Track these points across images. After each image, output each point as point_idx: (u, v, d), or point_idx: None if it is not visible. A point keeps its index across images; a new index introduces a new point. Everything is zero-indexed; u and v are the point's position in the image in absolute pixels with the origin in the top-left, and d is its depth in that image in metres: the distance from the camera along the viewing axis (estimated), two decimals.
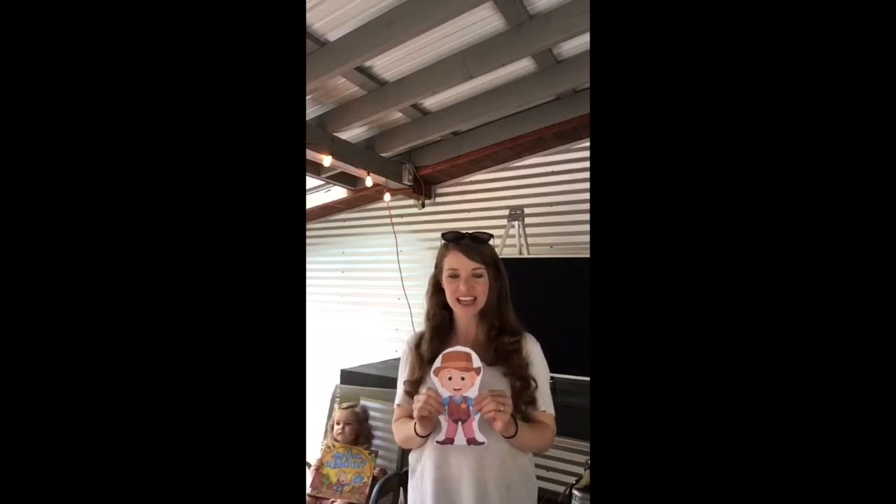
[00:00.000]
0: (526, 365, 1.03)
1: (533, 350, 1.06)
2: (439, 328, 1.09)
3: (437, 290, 1.11)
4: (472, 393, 0.89)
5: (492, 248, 1.10)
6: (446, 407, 0.92)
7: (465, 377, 0.89)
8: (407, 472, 1.12)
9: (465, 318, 1.07)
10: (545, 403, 1.04)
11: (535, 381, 1.03)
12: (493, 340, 1.06)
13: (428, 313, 1.12)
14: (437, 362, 0.94)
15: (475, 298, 1.04)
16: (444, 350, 1.00)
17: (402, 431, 1.06)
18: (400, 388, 1.12)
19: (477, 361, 0.91)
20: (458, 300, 1.04)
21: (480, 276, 1.04)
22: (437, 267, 1.11)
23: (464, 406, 0.90)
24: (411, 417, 1.02)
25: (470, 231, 1.11)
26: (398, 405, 1.12)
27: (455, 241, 1.08)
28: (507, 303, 1.09)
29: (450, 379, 0.90)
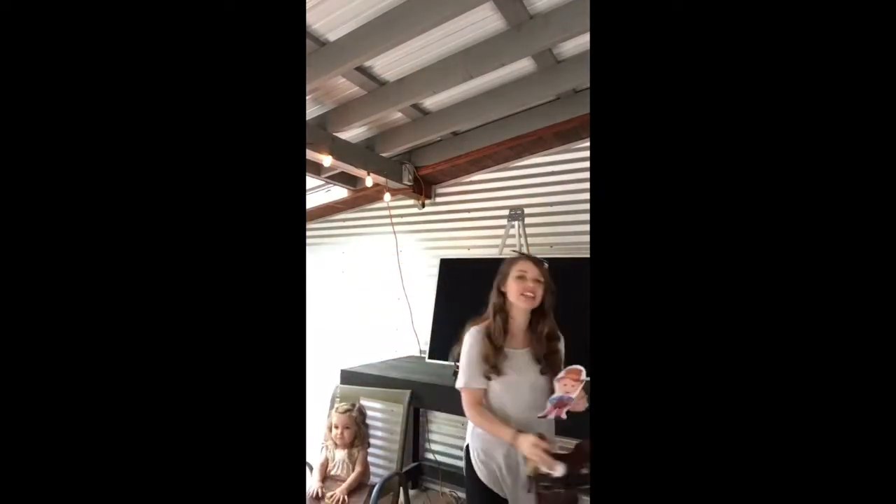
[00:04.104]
0: (561, 363, 1.38)
1: (562, 348, 1.42)
2: (503, 323, 1.38)
3: (498, 293, 1.40)
4: (574, 394, 1.24)
5: (548, 271, 1.42)
6: (555, 402, 1.25)
7: (575, 385, 1.24)
8: (407, 473, 1.21)
9: (522, 313, 1.37)
10: None
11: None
12: (544, 343, 1.37)
13: (495, 308, 1.40)
14: (562, 373, 1.27)
15: (535, 296, 1.35)
16: (505, 342, 1.36)
17: (490, 428, 1.32)
18: (471, 370, 1.36)
19: (584, 375, 1.23)
20: (522, 294, 1.34)
21: (540, 282, 1.37)
22: (502, 274, 1.41)
23: (565, 402, 1.25)
24: (481, 402, 1.34)
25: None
26: (469, 388, 1.36)
27: (524, 255, 1.47)
28: (552, 312, 1.42)
29: (564, 385, 1.25)
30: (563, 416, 1.26)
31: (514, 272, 1.38)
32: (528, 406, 1.31)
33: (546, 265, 1.44)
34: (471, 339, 1.39)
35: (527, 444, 1.22)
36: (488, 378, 1.34)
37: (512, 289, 1.36)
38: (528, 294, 1.34)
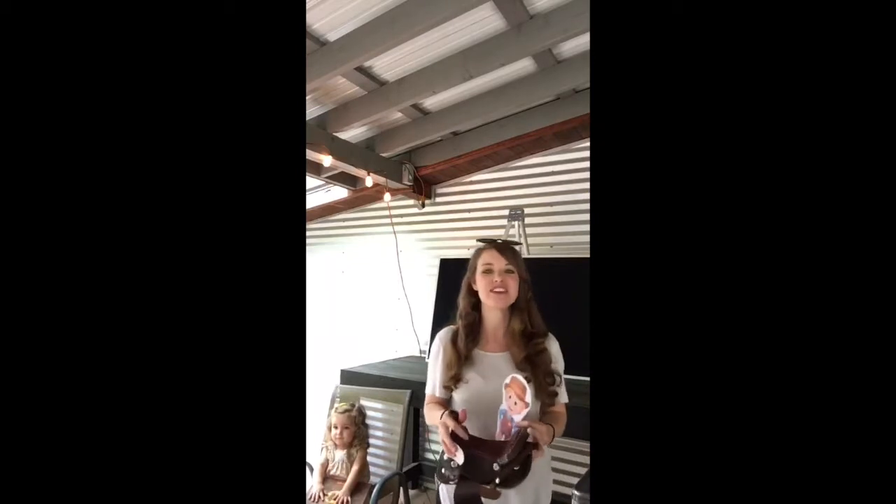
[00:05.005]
0: (550, 361, 1.16)
1: (554, 349, 1.20)
2: (471, 327, 1.21)
3: (469, 291, 1.22)
4: (517, 418, 1.02)
5: (519, 255, 1.22)
6: (501, 417, 1.05)
7: (518, 403, 1.03)
8: (407, 473, 1.15)
9: (496, 312, 1.18)
10: (563, 396, 1.19)
11: (559, 375, 1.17)
12: (525, 343, 1.16)
13: (460, 313, 1.23)
14: (507, 380, 1.05)
15: (507, 291, 1.15)
16: (476, 348, 1.19)
17: (433, 417, 1.16)
18: (434, 379, 1.22)
19: (529, 397, 1.01)
20: (491, 291, 1.16)
21: (511, 272, 1.17)
22: (470, 269, 1.23)
23: (509, 425, 1.04)
24: (441, 405, 1.17)
25: (499, 238, 1.25)
26: (432, 395, 1.23)
27: (489, 243, 1.24)
28: (534, 303, 1.21)
29: (509, 397, 1.04)
30: (511, 442, 0.98)
31: (480, 266, 1.19)
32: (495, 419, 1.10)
33: (518, 249, 1.23)
34: (437, 344, 1.23)
35: (441, 423, 1.04)
36: (449, 388, 1.16)
37: (481, 285, 1.17)
38: (499, 290, 1.15)
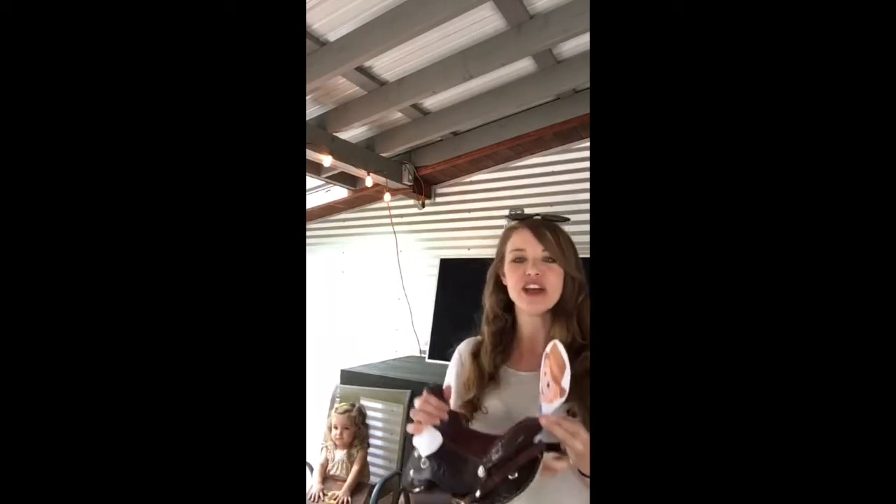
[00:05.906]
0: None
1: None
2: (500, 334, 0.89)
3: (497, 286, 0.91)
4: (546, 409, 0.69)
5: (568, 235, 0.88)
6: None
7: (551, 387, 0.69)
8: None
9: (532, 316, 0.86)
10: None
11: None
12: (572, 359, 0.73)
13: (487, 316, 0.91)
14: (548, 347, 0.72)
15: (545, 289, 0.82)
16: (505, 364, 0.86)
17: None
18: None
19: (567, 381, 0.67)
20: (523, 289, 0.83)
21: (551, 261, 0.83)
22: (497, 256, 0.91)
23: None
24: None
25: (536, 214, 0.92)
26: None
27: (522, 219, 0.90)
28: (588, 306, 0.84)
29: (544, 374, 0.70)
30: (505, 435, 0.66)
31: (509, 252, 0.87)
32: None
33: (563, 227, 0.88)
34: (456, 359, 0.94)
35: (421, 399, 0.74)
36: (465, 417, 0.82)
37: (510, 280, 0.85)
38: (532, 286, 0.82)
